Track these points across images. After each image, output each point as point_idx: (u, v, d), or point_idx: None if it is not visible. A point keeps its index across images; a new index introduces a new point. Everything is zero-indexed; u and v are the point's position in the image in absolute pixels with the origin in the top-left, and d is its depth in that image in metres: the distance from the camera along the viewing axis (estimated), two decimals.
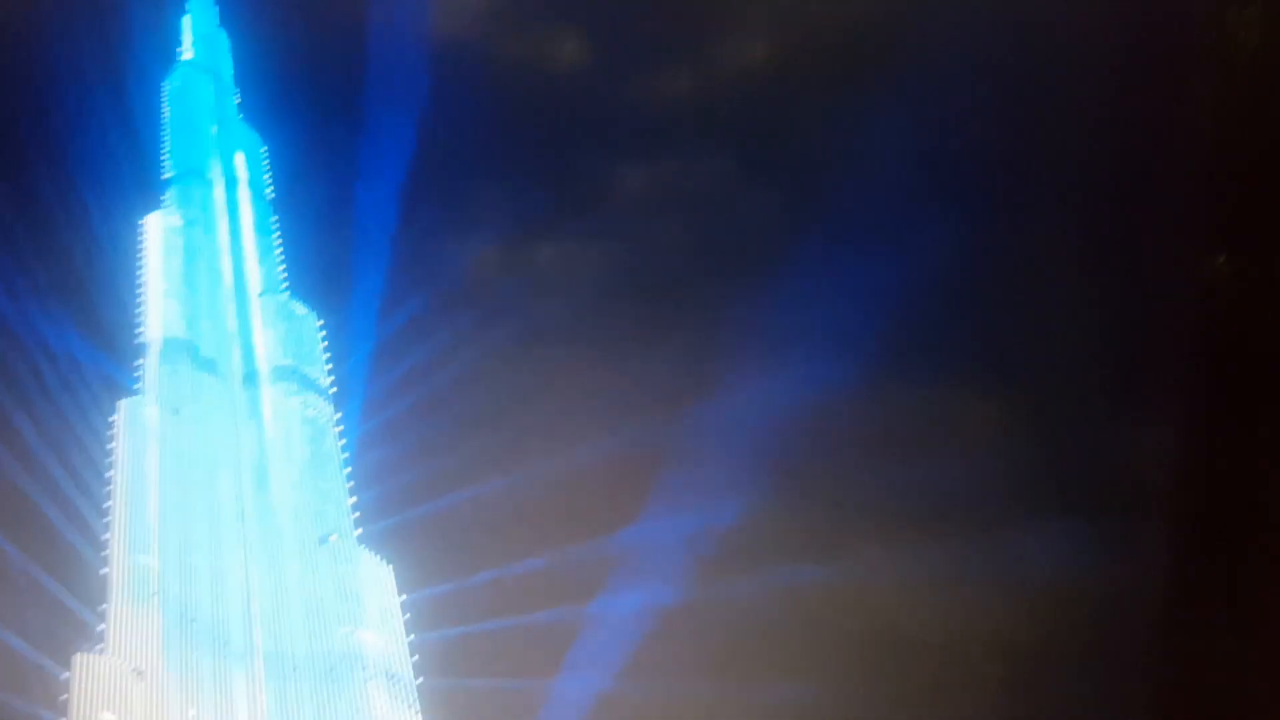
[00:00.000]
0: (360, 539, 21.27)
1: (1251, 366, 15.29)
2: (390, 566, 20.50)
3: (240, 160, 26.97)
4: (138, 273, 24.51)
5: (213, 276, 23.88)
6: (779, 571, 19.08)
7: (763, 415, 20.17)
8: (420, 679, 19.59)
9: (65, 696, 18.60)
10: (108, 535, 20.78)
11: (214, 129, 26.82)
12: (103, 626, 19.96)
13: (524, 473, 20.36)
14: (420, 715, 19.55)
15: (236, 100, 28.37)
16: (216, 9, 29.37)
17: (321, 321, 23.00)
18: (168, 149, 26.78)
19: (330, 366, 22.64)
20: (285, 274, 24.34)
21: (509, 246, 21.91)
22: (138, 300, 23.87)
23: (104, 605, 19.77)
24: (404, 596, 20.62)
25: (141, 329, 23.49)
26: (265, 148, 26.71)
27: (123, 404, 21.90)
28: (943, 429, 20.90)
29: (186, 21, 29.45)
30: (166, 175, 26.21)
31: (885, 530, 18.95)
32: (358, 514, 21.49)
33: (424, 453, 20.62)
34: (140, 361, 23.08)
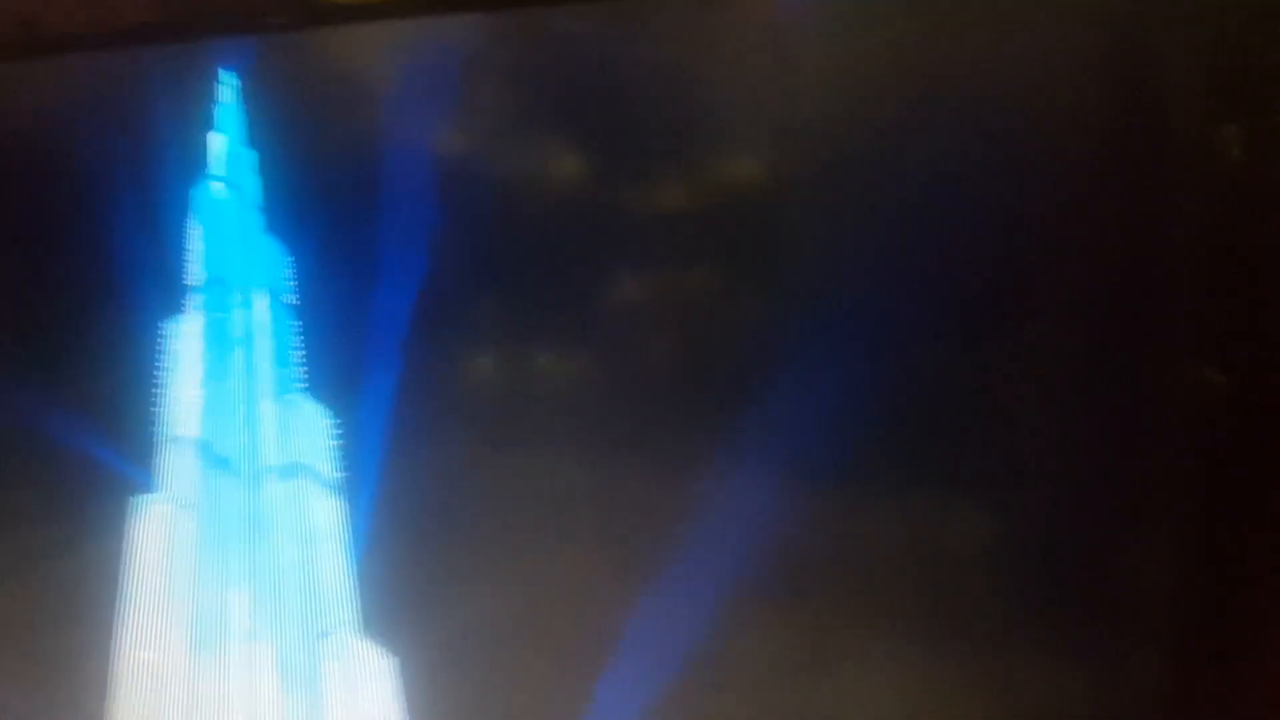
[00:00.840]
0: (364, 633, 20.12)
1: (1250, 484, 13.75)
2: (395, 659, 19.29)
3: (262, 268, 26.43)
4: (156, 374, 23.79)
5: (230, 377, 23.14)
6: (764, 687, 17.35)
7: (751, 522, 18.35)
8: None
9: None
10: (115, 630, 19.79)
11: (237, 239, 26.33)
12: None
13: (519, 567, 19.32)
14: None
15: (260, 213, 27.92)
16: (244, 128, 28.90)
17: (336, 420, 21.99)
18: (193, 257, 26.27)
19: (340, 463, 21.63)
20: (302, 374, 23.53)
21: (505, 351, 20.62)
22: (155, 401, 23.05)
23: (106, 701, 18.86)
24: (405, 693, 19.42)
25: (157, 428, 22.60)
26: (288, 257, 26.13)
27: (136, 500, 20.97)
28: (938, 538, 18.88)
29: (214, 138, 28.96)
30: (191, 281, 25.63)
31: (874, 644, 16.99)
32: (362, 609, 20.47)
33: (428, 546, 19.80)
34: (155, 459, 22.08)
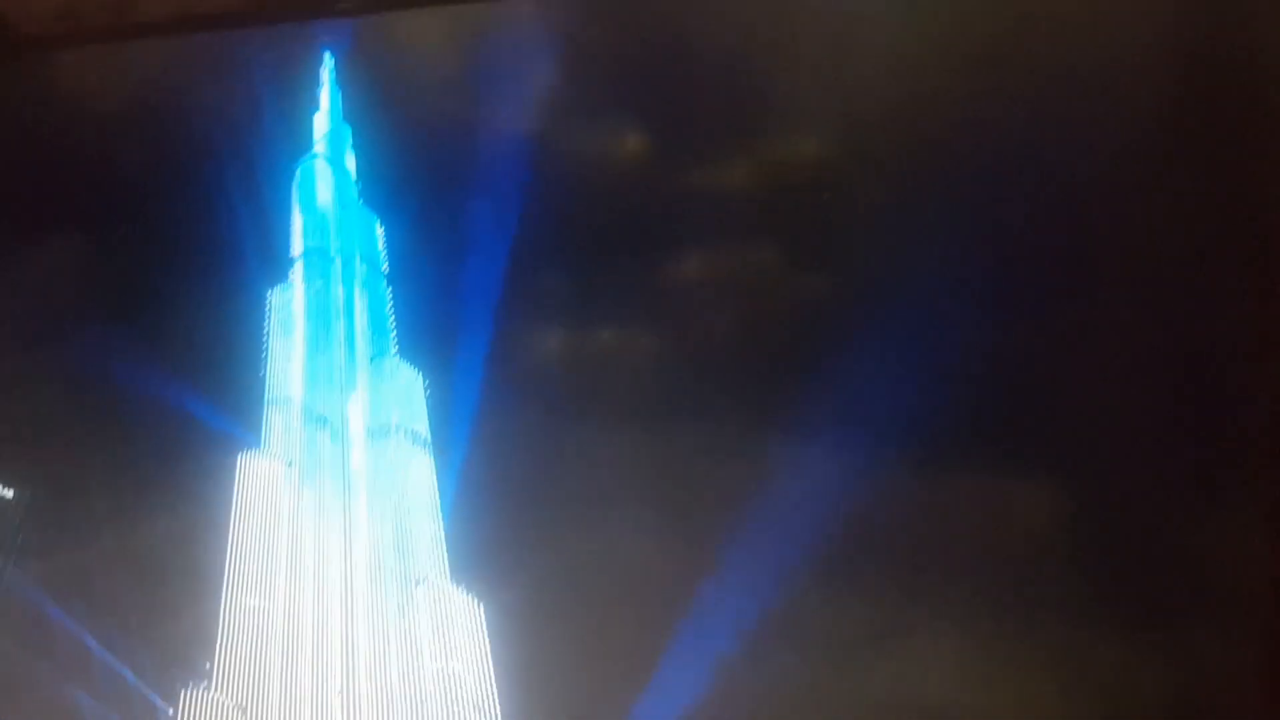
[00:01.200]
0: (453, 580, 20.94)
1: None
2: (481, 605, 20.08)
3: (359, 239, 27.39)
4: (263, 340, 24.66)
5: (330, 342, 24.04)
6: (819, 661, 16.92)
7: (812, 502, 17.87)
8: (502, 706, 19.22)
9: None
10: (224, 578, 20.74)
11: (336, 212, 27.27)
12: (209, 664, 19.79)
13: (594, 527, 19.52)
14: None
15: (356, 186, 28.82)
16: (341, 105, 29.92)
17: (427, 383, 22.73)
18: (295, 229, 27.15)
19: (432, 424, 22.30)
20: (396, 339, 24.33)
21: (574, 330, 20.52)
22: (261, 365, 24.00)
23: (213, 645, 19.68)
24: (490, 634, 20.24)
25: (264, 391, 23.61)
26: (382, 228, 26.98)
27: (242, 458, 22.00)
28: (1002, 520, 18.18)
29: (317, 118, 30.10)
30: (294, 253, 26.48)
31: (937, 624, 16.40)
32: (450, 558, 21.25)
33: (513, 505, 20.22)
34: (260, 420, 23.09)
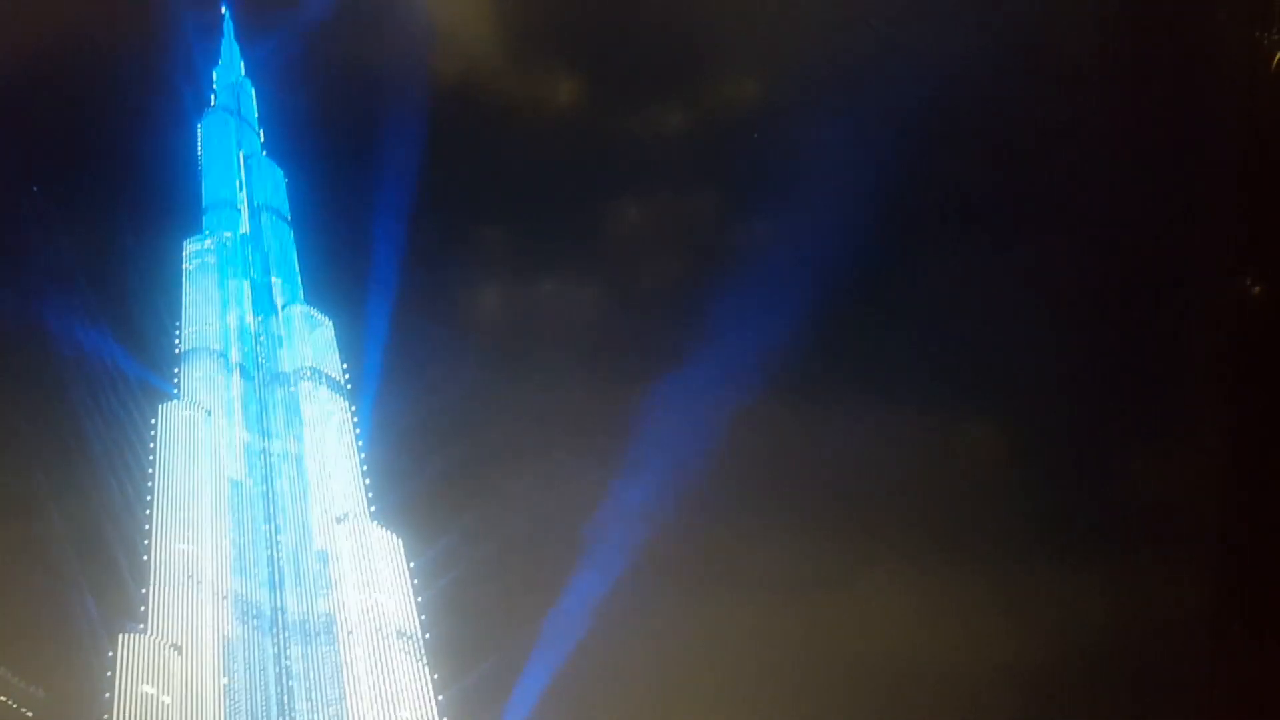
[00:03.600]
0: (373, 515, 22.39)
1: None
2: (399, 539, 21.66)
3: (264, 190, 28.41)
4: (177, 290, 25.88)
5: (241, 291, 25.14)
6: (781, 596, 18.74)
7: (763, 441, 19.86)
8: (428, 634, 20.69)
9: (110, 672, 19.83)
10: (149, 526, 22.02)
11: (241, 164, 28.21)
12: (144, 609, 21.13)
13: (513, 464, 21.01)
14: (427, 666, 20.56)
15: (260, 139, 29.88)
16: (241, 62, 30.95)
17: (337, 326, 24.36)
18: (203, 182, 28.18)
19: (345, 367, 23.85)
20: (304, 287, 25.66)
21: (503, 270, 22.34)
22: (176, 315, 25.21)
23: (145, 589, 20.96)
24: (412, 564, 21.74)
25: (179, 340, 24.84)
26: (285, 179, 28.23)
27: (162, 408, 23.27)
28: (954, 456, 20.28)
29: (216, 74, 30.98)
30: (202, 205, 27.65)
31: (891, 557, 18.37)
32: (370, 494, 22.64)
33: (426, 439, 21.48)
34: (178, 370, 24.40)
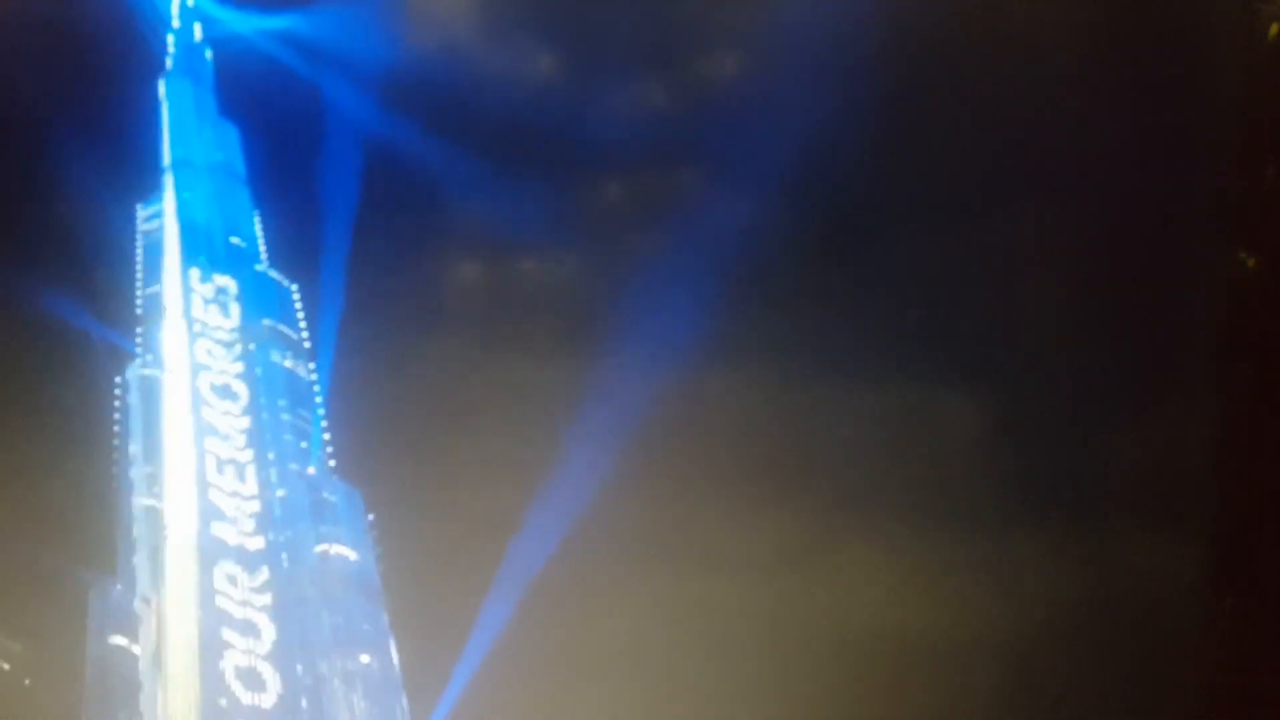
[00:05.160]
0: (334, 470, 22.73)
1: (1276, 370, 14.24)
2: (359, 492, 22.12)
3: (221, 151, 28.11)
4: (135, 252, 25.74)
5: (200, 252, 25.00)
6: (761, 571, 18.74)
7: (747, 416, 19.65)
8: (386, 582, 21.33)
9: (85, 625, 20.37)
10: (117, 484, 22.34)
11: (198, 126, 27.86)
12: (116, 563, 21.60)
13: (475, 423, 21.26)
14: (387, 615, 21.12)
15: (216, 100, 29.46)
16: (198, 25, 30.24)
17: (297, 288, 24.22)
18: (161, 143, 27.82)
19: (305, 326, 23.84)
20: (265, 248, 25.53)
21: (440, 236, 21.95)
22: (135, 276, 25.06)
23: (116, 545, 21.38)
24: (371, 516, 22.20)
25: (140, 301, 24.75)
26: (242, 139, 28.07)
27: (128, 368, 23.36)
28: (936, 430, 19.99)
29: (171, 38, 30.25)
30: (161, 166, 27.35)
31: (873, 531, 18.21)
32: (332, 448, 22.95)
33: (387, 397, 21.72)
34: (140, 330, 24.36)
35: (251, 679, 19.52)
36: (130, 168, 27.33)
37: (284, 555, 21.09)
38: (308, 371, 24.24)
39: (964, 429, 18.42)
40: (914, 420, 19.14)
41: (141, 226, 29.19)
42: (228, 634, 19.73)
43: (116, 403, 23.91)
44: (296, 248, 24.23)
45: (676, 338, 18.79)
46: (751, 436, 19.19)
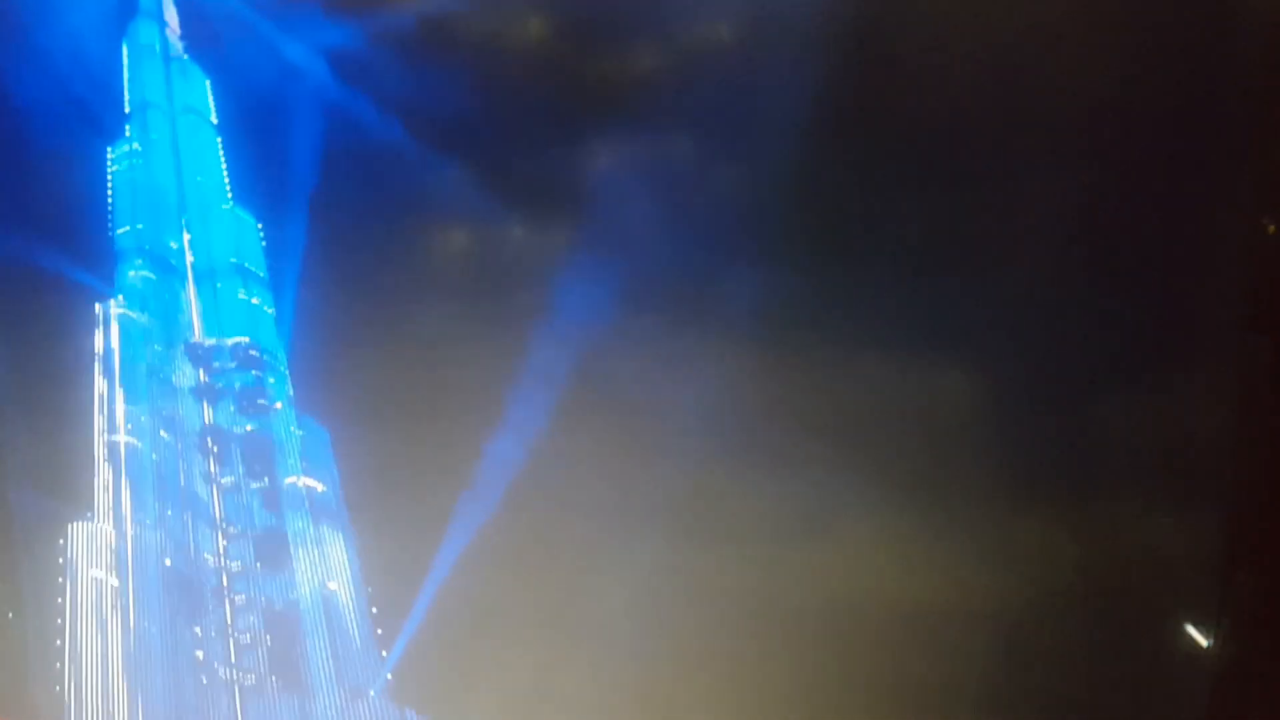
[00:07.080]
0: (298, 405, 23.02)
1: None
2: (325, 428, 22.43)
3: (189, 93, 27.91)
4: (104, 193, 25.68)
5: (168, 192, 25.02)
6: (757, 545, 18.65)
7: (738, 390, 19.36)
8: (352, 515, 21.67)
9: (62, 559, 20.87)
10: (92, 421, 22.62)
11: (165, 68, 27.64)
12: (92, 499, 21.99)
13: (443, 357, 21.21)
14: (345, 545, 21.60)
15: (182, 43, 29.14)
16: None
17: (261, 226, 24.20)
18: (127, 86, 27.52)
19: (270, 265, 23.87)
20: (230, 188, 25.41)
21: (404, 177, 21.41)
22: (105, 217, 25.05)
23: (92, 481, 21.74)
24: (336, 449, 22.60)
25: (110, 242, 24.83)
26: (209, 81, 27.63)
27: (98, 306, 23.46)
28: (930, 404, 19.65)
29: None
30: (126, 109, 27.10)
31: (866, 506, 18.03)
32: (294, 383, 23.17)
33: (352, 333, 21.81)
34: (110, 270, 24.43)
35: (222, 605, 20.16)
36: (97, 110, 27.16)
37: (255, 488, 21.48)
38: (270, 306, 24.39)
39: (974, 401, 18.07)
40: (910, 394, 18.84)
41: (110, 168, 29.07)
42: (200, 564, 20.22)
43: (89, 342, 24.09)
44: (264, 188, 24.26)
45: (671, 307, 18.60)
46: (748, 406, 18.99)
